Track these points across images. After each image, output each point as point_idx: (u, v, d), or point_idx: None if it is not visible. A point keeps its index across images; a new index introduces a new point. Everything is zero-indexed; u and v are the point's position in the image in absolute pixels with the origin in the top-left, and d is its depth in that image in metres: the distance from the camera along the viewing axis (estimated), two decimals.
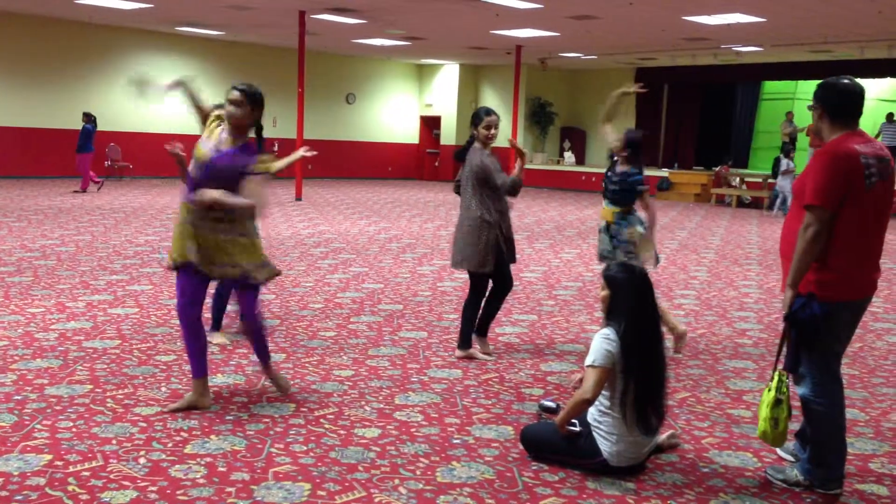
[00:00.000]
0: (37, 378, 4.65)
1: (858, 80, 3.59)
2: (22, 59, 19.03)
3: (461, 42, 20.38)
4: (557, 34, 18.23)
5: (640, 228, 5.64)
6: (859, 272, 3.50)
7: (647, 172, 23.22)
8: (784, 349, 3.64)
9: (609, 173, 5.69)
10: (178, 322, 6.09)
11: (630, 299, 3.63)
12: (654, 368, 3.63)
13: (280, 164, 5.02)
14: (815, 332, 3.48)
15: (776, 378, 3.58)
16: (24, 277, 7.59)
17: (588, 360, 3.59)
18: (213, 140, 4.27)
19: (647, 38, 18.47)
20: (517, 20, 16.60)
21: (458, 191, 5.54)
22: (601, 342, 3.59)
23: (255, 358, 4.81)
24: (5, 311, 6.24)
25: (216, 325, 5.72)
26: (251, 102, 4.27)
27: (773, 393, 3.54)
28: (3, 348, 5.22)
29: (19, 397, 4.32)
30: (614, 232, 5.66)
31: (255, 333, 4.46)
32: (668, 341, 5.86)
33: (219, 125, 4.34)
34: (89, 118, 16.40)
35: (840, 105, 3.51)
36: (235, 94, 4.24)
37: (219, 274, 4.27)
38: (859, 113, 3.54)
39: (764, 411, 3.55)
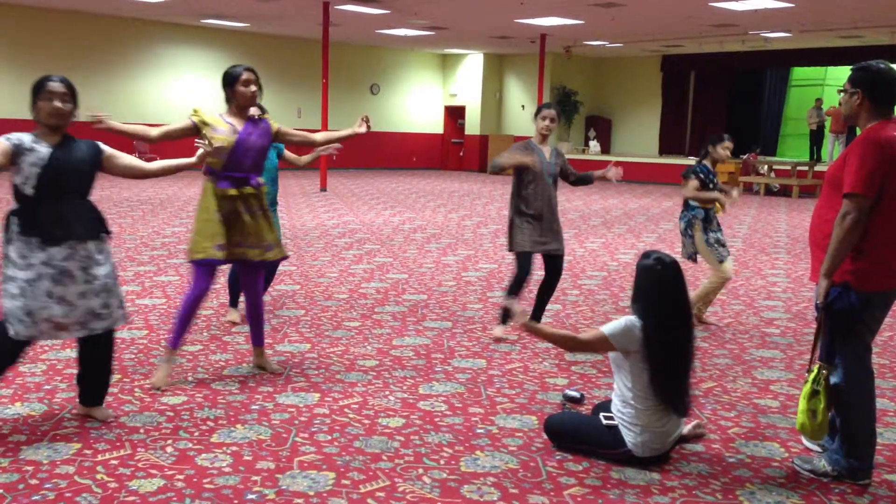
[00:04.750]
0: (66, 368, 4.71)
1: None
2: (48, 52, 19.25)
3: (485, 31, 20.31)
4: (582, 22, 18.10)
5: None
6: (895, 261, 3.44)
7: (674, 161, 22.83)
8: (819, 340, 3.59)
9: (716, 180, 6.19)
10: (204, 312, 6.15)
11: (652, 290, 3.59)
12: (677, 359, 3.59)
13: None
14: (852, 323, 3.43)
15: (816, 370, 3.52)
16: None
17: (604, 327, 3.63)
18: (223, 125, 4.49)
19: (673, 25, 18.28)
20: (541, 8, 16.50)
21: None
22: (625, 322, 3.58)
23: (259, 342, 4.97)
24: None
25: (234, 302, 5.96)
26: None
27: (809, 385, 3.48)
28: None
29: (49, 387, 4.38)
30: (718, 225, 6.25)
31: (260, 315, 4.77)
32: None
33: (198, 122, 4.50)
34: None
35: (882, 91, 3.42)
36: (251, 75, 4.57)
37: (240, 255, 4.59)
38: None
39: (801, 404, 3.49)
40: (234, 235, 4.53)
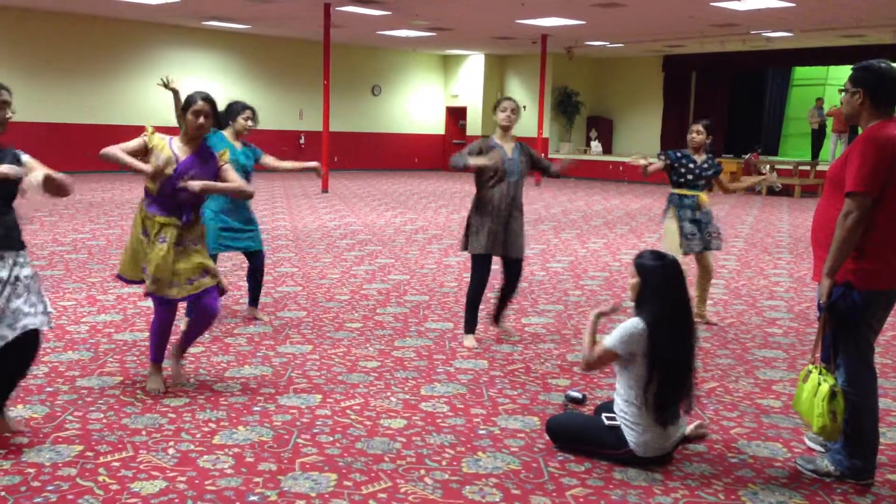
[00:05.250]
0: (68, 370, 4.72)
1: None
2: (51, 55, 19.28)
3: (486, 32, 20.31)
4: (583, 22, 18.09)
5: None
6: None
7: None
8: (822, 340, 3.57)
9: (691, 165, 6.22)
10: None
11: (659, 288, 3.59)
12: (681, 359, 3.59)
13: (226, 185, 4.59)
14: (855, 322, 3.42)
15: (816, 370, 3.50)
16: (55, 271, 7.70)
17: (607, 340, 3.60)
18: (167, 152, 4.31)
19: (674, 25, 18.27)
20: (543, 9, 16.50)
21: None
22: (628, 328, 3.57)
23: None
24: None
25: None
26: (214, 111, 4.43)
27: (825, 386, 3.43)
28: None
29: (51, 389, 4.38)
30: (702, 216, 6.23)
31: (206, 326, 4.55)
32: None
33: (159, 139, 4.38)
34: None
35: (884, 90, 3.41)
36: (205, 106, 4.32)
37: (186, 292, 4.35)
38: None
39: (820, 406, 3.43)
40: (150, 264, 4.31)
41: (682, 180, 6.21)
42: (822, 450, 3.79)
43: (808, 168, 19.69)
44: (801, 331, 6.23)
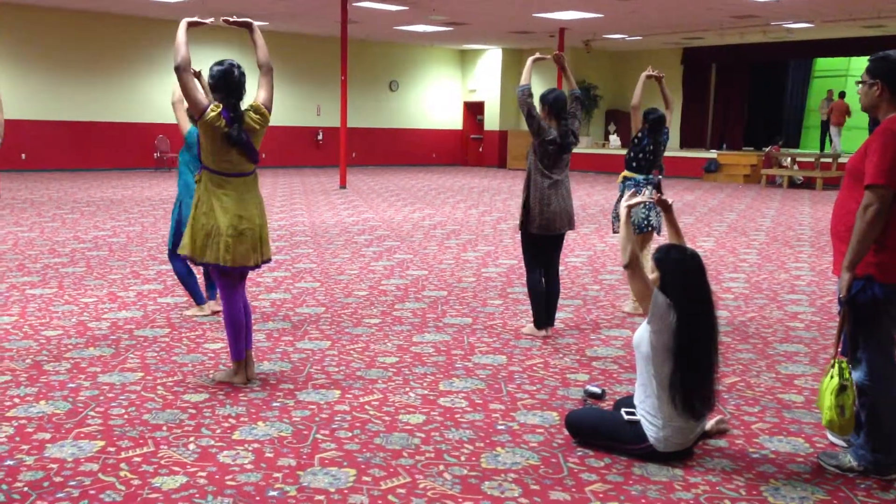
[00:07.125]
0: (90, 366, 4.76)
1: None
2: (70, 54, 19.42)
3: (504, 26, 20.25)
4: (601, 15, 18.00)
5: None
6: None
7: (695, 154, 22.76)
8: (843, 334, 3.54)
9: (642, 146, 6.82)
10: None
11: (679, 283, 3.56)
12: (703, 352, 3.56)
13: None
14: (876, 316, 3.38)
15: (836, 365, 3.47)
16: (77, 268, 7.76)
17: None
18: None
19: (693, 17, 18.13)
20: (560, 2, 16.43)
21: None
22: (667, 301, 3.53)
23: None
24: (59, 301, 6.39)
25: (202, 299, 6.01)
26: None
27: (836, 380, 3.42)
28: (58, 337, 5.35)
29: (73, 385, 4.42)
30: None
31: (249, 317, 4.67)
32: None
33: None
34: None
35: None
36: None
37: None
38: None
39: (828, 399, 3.42)
40: None
41: None
42: (844, 445, 3.75)
43: (829, 161, 19.50)
44: (823, 325, 6.18)
